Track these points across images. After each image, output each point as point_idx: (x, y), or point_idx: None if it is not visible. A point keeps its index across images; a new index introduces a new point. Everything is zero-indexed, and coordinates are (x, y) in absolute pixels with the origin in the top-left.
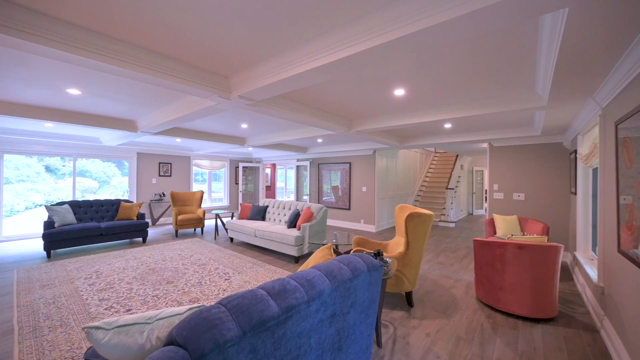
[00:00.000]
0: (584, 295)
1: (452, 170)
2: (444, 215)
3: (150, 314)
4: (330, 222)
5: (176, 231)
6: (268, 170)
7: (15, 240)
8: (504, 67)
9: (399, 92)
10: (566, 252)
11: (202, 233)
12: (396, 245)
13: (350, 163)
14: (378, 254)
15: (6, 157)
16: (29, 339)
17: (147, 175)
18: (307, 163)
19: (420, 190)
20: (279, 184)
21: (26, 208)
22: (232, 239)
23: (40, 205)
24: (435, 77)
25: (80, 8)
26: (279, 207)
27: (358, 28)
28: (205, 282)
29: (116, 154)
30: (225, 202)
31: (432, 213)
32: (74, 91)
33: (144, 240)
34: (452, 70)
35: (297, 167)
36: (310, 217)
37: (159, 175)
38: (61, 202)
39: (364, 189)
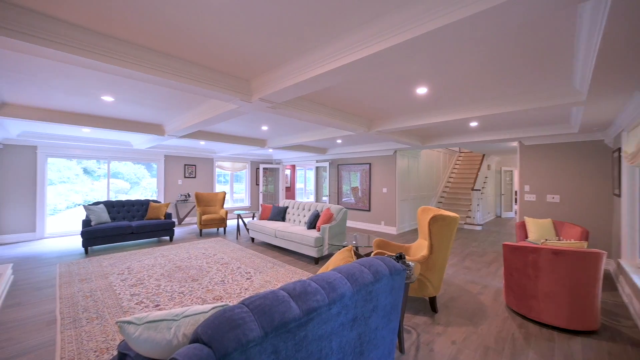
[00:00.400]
0: (631, 307)
1: (478, 171)
2: (470, 217)
3: (177, 311)
4: (349, 223)
5: (200, 231)
6: (288, 172)
7: (57, 237)
8: (537, 61)
9: (422, 90)
10: (609, 259)
11: (224, 233)
12: (419, 249)
13: (370, 164)
14: (400, 257)
15: (50, 160)
16: (69, 329)
17: (174, 176)
18: (327, 164)
19: (443, 192)
20: (299, 185)
21: (67, 207)
22: (253, 239)
23: (79, 205)
24: (460, 74)
25: (114, 21)
26: (298, 208)
27: (379, 26)
28: (227, 281)
29: (145, 157)
30: (247, 203)
31: (457, 216)
32: (107, 98)
33: (171, 239)
34: (479, 66)
35: (317, 168)
36: (329, 219)
37: (184, 177)
38: (97, 202)
39: (385, 190)
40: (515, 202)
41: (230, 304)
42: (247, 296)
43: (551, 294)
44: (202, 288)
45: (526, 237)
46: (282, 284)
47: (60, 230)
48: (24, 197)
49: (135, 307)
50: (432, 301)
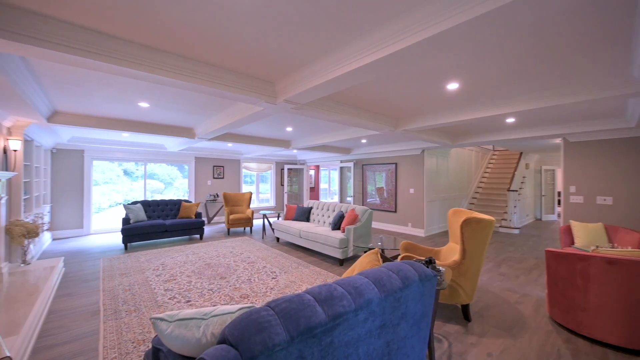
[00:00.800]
0: None
1: (514, 170)
2: (506, 220)
3: (205, 310)
4: (375, 224)
5: (228, 230)
6: (312, 172)
7: (102, 233)
8: (587, 48)
9: (453, 86)
10: None
11: (251, 232)
12: (450, 253)
13: (396, 163)
14: (430, 262)
15: (95, 162)
16: (110, 320)
17: (203, 177)
18: (351, 164)
19: (476, 193)
20: (323, 185)
21: (109, 206)
22: (278, 239)
23: (120, 204)
24: (496, 67)
25: (151, 31)
26: (322, 209)
27: (407, 20)
28: (254, 280)
29: (178, 159)
30: (272, 203)
31: (492, 219)
32: (143, 104)
33: (201, 237)
34: (518, 57)
35: (341, 168)
36: (354, 220)
37: (213, 178)
38: (135, 201)
39: (412, 190)
40: (559, 204)
41: (257, 306)
42: (272, 296)
43: (604, 308)
44: (230, 286)
45: (572, 242)
46: (307, 285)
47: (104, 227)
48: (73, 197)
49: (169, 302)
50: (465, 309)
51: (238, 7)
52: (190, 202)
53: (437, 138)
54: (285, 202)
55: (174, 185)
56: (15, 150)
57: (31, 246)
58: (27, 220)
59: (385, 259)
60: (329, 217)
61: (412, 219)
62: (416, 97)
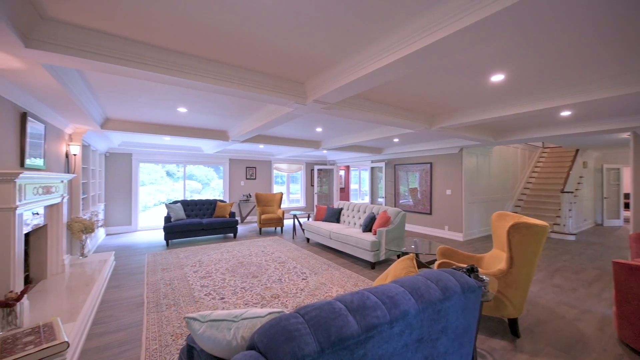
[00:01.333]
0: None
1: (569, 169)
2: (559, 225)
3: (236, 312)
4: (408, 227)
5: (260, 229)
6: (342, 172)
7: (146, 230)
8: None
9: (497, 77)
10: None
11: (281, 232)
12: (494, 260)
13: (431, 163)
14: (472, 270)
15: (141, 165)
16: (153, 312)
17: (237, 178)
18: (382, 164)
19: (522, 194)
20: (353, 186)
21: (154, 205)
22: (308, 240)
23: (163, 203)
24: (550, 53)
25: (185, 39)
26: (353, 210)
27: (445, 8)
28: (284, 280)
29: (214, 160)
30: (302, 203)
31: (546, 224)
32: (182, 109)
33: (235, 236)
34: (577, 40)
35: (372, 168)
36: (386, 222)
37: (246, 178)
38: (175, 201)
39: (449, 191)
40: (626, 207)
41: (286, 311)
42: (302, 297)
43: None
44: (261, 285)
45: None
46: (337, 288)
47: (149, 224)
48: (123, 196)
49: (204, 297)
50: (513, 323)
51: (266, 9)
52: (224, 202)
53: (478, 135)
54: (315, 202)
55: (211, 185)
56: (75, 155)
57: (88, 241)
58: (84, 217)
59: (420, 265)
60: (359, 218)
61: (449, 222)
62: (454, 92)
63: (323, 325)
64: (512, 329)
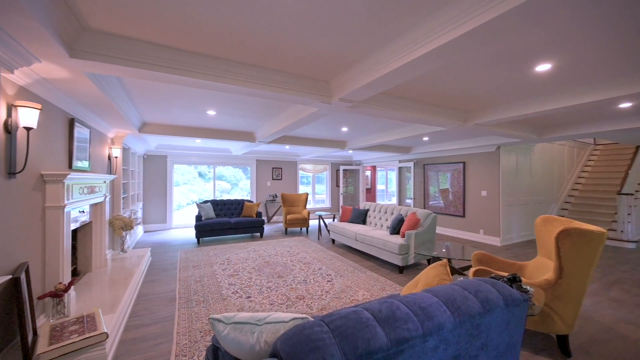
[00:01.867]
0: None
1: (628, 168)
2: (615, 230)
3: (260, 315)
4: (438, 230)
5: (286, 229)
6: (368, 173)
7: (180, 228)
8: None
9: (543, 67)
10: None
11: (307, 232)
12: (539, 269)
13: (464, 162)
14: (514, 280)
15: (175, 166)
16: (184, 308)
17: (264, 178)
18: (411, 164)
19: (570, 196)
20: (380, 187)
21: (187, 204)
22: (333, 241)
23: (195, 202)
24: (607, 39)
25: (213, 43)
26: (380, 211)
27: None
28: (309, 281)
29: (242, 162)
30: (327, 204)
31: (603, 230)
32: (211, 112)
33: (261, 235)
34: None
35: (399, 168)
36: (416, 224)
37: (272, 179)
38: (206, 200)
39: (484, 193)
40: None
41: (310, 318)
42: (327, 299)
43: None
44: (287, 285)
45: None
46: (364, 291)
47: (182, 223)
48: (159, 196)
49: (232, 296)
50: (562, 340)
51: (289, 8)
52: (252, 202)
53: (519, 132)
54: (341, 203)
55: (239, 185)
56: (116, 157)
57: (127, 237)
58: (125, 215)
59: (453, 271)
60: (386, 220)
61: (485, 226)
62: (492, 85)
63: (349, 335)
64: (562, 346)
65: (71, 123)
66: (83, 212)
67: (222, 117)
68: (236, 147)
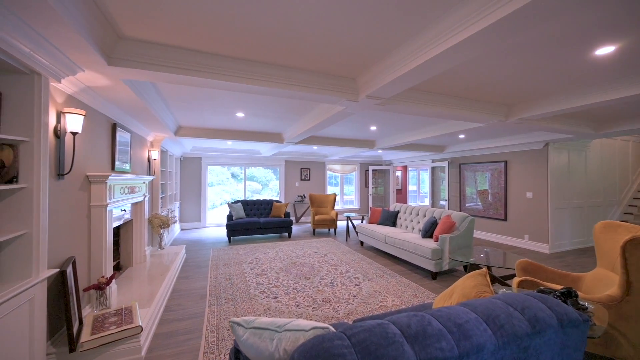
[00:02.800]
0: None
1: None
2: None
3: (280, 321)
4: (476, 233)
5: (314, 230)
6: (398, 173)
7: (213, 226)
8: None
9: (605, 50)
10: None
11: (335, 233)
12: (599, 283)
13: (505, 162)
14: (569, 295)
15: (209, 167)
16: (213, 305)
17: (292, 179)
18: (445, 164)
19: (635, 199)
20: (411, 187)
21: (221, 204)
22: (362, 243)
23: (227, 202)
24: None
25: (241, 44)
26: (411, 213)
27: None
28: (336, 284)
29: (271, 162)
30: (356, 205)
31: None
32: (239, 114)
33: (289, 236)
34: None
35: (432, 168)
36: (451, 228)
37: (300, 180)
38: (237, 200)
39: (529, 194)
40: None
41: (331, 329)
42: (355, 304)
43: None
44: (313, 287)
45: None
46: (393, 297)
47: (215, 222)
48: (194, 196)
49: (259, 295)
50: None
51: (311, 6)
52: (280, 202)
53: (572, 127)
54: (370, 204)
55: (269, 186)
56: (155, 159)
57: (165, 235)
58: (162, 214)
59: (493, 280)
60: (418, 222)
61: (530, 231)
62: (540, 74)
63: (373, 352)
64: None
65: (113, 128)
66: (125, 210)
67: (250, 118)
68: (265, 149)
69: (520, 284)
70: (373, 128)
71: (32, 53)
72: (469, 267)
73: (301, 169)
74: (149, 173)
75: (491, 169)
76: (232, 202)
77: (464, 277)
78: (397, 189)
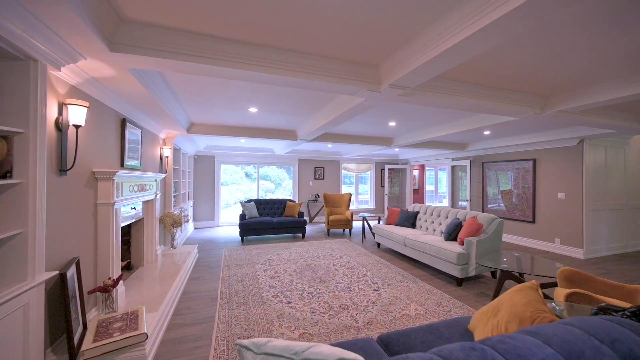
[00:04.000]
0: None
1: None
2: None
3: (296, 347)
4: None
5: (328, 230)
6: (415, 172)
7: (226, 225)
8: None
9: None
10: None
11: (350, 234)
12: None
13: (534, 160)
14: None
15: (223, 166)
16: (224, 309)
17: (306, 178)
18: (467, 162)
19: None
20: (429, 187)
21: (234, 202)
22: (379, 244)
23: (241, 201)
24: None
25: (254, 28)
26: (432, 214)
27: None
28: (354, 289)
29: (284, 161)
30: (371, 205)
31: None
32: (252, 109)
33: (303, 236)
34: None
35: (452, 167)
36: (477, 230)
37: (314, 179)
38: (249, 199)
39: (561, 195)
40: None
41: (361, 359)
42: (374, 312)
43: None
44: (329, 292)
45: None
46: (416, 305)
47: (229, 221)
48: (208, 194)
49: (272, 299)
50: None
51: None
52: (294, 201)
53: (616, 120)
54: (386, 204)
55: (282, 185)
56: (167, 157)
57: (177, 234)
58: (175, 212)
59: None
60: (440, 224)
61: (562, 234)
62: (585, 58)
63: None
64: None
65: (123, 123)
66: (134, 209)
67: (263, 115)
68: (279, 147)
69: (569, 297)
70: (392, 124)
71: (24, 35)
72: (500, 274)
73: (315, 167)
74: (161, 171)
75: (516, 168)
76: (245, 202)
77: (511, 292)
78: (414, 189)
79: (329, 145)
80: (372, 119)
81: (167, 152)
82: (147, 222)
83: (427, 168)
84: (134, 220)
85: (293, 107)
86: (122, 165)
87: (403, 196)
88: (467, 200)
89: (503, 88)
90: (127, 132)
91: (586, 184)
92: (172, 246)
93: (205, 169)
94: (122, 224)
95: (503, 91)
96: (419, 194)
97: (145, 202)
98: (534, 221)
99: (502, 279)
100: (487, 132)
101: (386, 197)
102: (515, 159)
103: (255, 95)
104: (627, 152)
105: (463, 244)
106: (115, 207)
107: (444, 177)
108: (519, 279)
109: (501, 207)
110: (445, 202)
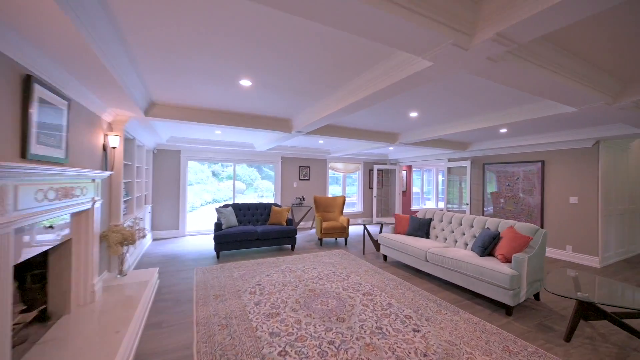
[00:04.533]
0: None
1: None
2: None
3: None
4: None
5: (320, 240)
6: (402, 173)
7: (195, 235)
8: None
9: None
10: None
11: (345, 244)
12: None
13: (542, 162)
14: None
15: (190, 163)
16: None
17: (289, 179)
18: (466, 163)
19: None
20: (415, 189)
21: (201, 205)
22: (385, 257)
23: (210, 203)
24: None
25: None
26: (450, 222)
27: None
28: (387, 330)
29: (265, 159)
30: (359, 208)
31: None
32: (245, 82)
33: (293, 248)
34: None
35: (448, 168)
36: (524, 244)
37: (299, 179)
38: (226, 204)
39: (573, 199)
40: None
41: None
42: None
43: None
44: (355, 338)
45: None
46: (479, 354)
47: (197, 229)
48: (171, 197)
49: (278, 358)
50: None
51: None
52: (279, 206)
53: None
54: (375, 207)
55: (254, 185)
56: (114, 147)
57: (128, 255)
58: (125, 224)
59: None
60: (462, 234)
61: (575, 241)
62: None
63: None
64: None
65: (26, 82)
66: (52, 227)
67: (258, 92)
68: (262, 142)
69: None
70: (414, 114)
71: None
72: (576, 307)
73: (300, 167)
74: (104, 167)
75: (522, 170)
76: (221, 207)
77: None
78: (402, 191)
79: (320, 142)
80: (392, 108)
81: (114, 141)
82: (77, 245)
83: (414, 169)
84: (54, 244)
85: (310, 75)
86: (23, 155)
87: (390, 198)
88: (468, 204)
89: (591, 62)
90: (35, 100)
91: (602, 187)
92: (121, 272)
93: (167, 167)
94: (26, 256)
95: (588, 67)
96: (406, 196)
97: (75, 215)
98: (542, 227)
99: (580, 313)
100: (503, 130)
101: (375, 200)
102: (520, 160)
103: (255, 61)
104: (629, 153)
105: (505, 261)
106: (3, 232)
107: (432, 179)
108: (600, 309)
109: (497, 209)
110: (430, 205)
